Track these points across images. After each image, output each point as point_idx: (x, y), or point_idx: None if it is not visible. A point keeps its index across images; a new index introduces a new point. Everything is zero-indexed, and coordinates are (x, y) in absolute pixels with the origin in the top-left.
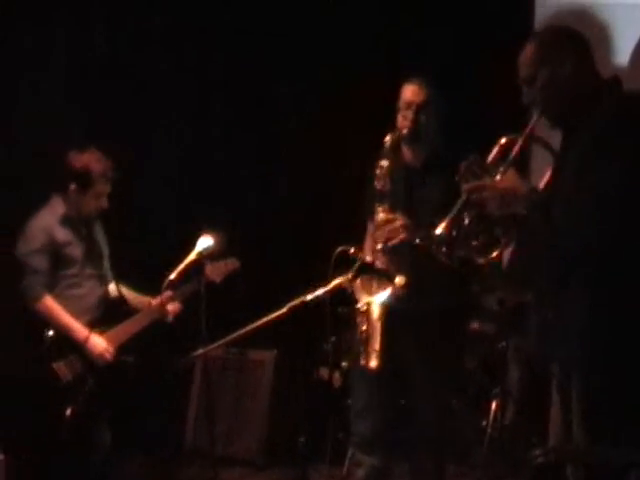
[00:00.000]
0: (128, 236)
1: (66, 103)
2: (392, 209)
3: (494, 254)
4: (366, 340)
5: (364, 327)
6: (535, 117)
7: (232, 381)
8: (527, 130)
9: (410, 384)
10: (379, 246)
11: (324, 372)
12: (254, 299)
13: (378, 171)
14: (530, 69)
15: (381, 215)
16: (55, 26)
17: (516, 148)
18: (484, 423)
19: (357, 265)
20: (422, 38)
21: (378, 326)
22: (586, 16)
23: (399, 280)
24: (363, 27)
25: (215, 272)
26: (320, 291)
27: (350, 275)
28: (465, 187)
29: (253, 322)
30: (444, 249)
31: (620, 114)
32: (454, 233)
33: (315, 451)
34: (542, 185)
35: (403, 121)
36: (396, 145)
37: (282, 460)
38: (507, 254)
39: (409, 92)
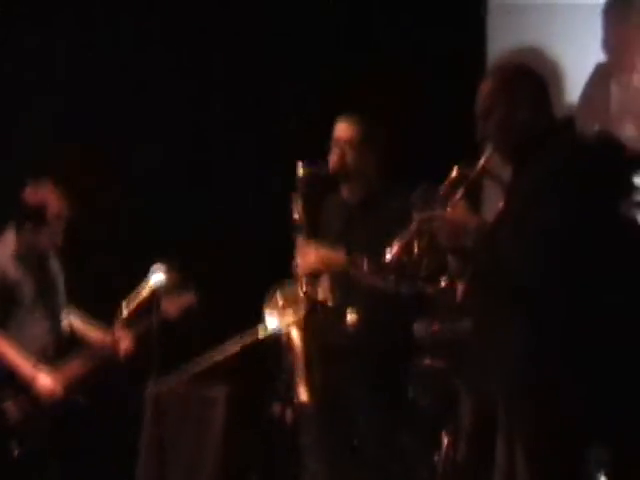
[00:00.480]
0: (84, 263)
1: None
2: (311, 238)
3: (442, 284)
4: (292, 372)
5: (289, 358)
6: (488, 152)
7: (183, 417)
8: (480, 163)
9: (355, 421)
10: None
11: (276, 408)
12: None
13: (294, 202)
14: (486, 105)
15: (299, 245)
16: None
17: (468, 181)
18: (436, 459)
19: (309, 303)
20: None
21: (301, 355)
22: (537, 55)
23: (350, 317)
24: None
25: (171, 307)
26: (273, 329)
27: (302, 314)
28: (416, 216)
29: (206, 357)
30: (392, 277)
31: (570, 154)
32: (404, 261)
33: None
34: (492, 219)
35: (332, 158)
36: (318, 178)
37: None
38: (461, 287)
39: (337, 129)
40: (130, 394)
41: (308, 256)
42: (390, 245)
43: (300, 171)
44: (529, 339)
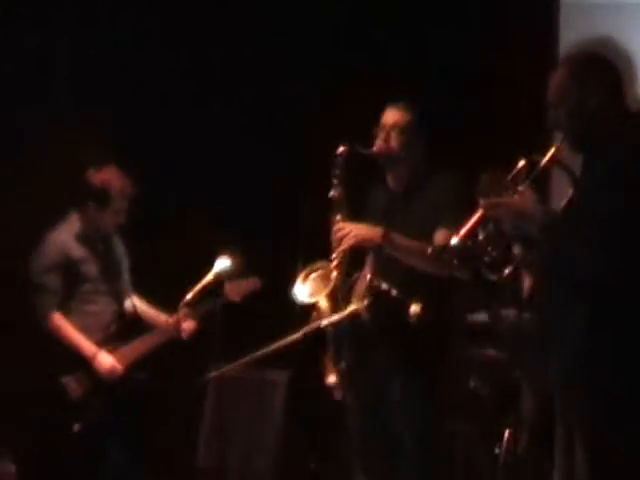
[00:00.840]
0: (150, 251)
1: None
2: (349, 216)
3: (506, 272)
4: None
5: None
6: (558, 141)
7: (245, 401)
8: (550, 152)
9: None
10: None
11: (338, 393)
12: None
13: (333, 181)
14: (558, 94)
15: (336, 224)
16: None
17: (537, 169)
18: (497, 451)
19: (373, 292)
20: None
21: (331, 337)
22: (612, 43)
23: (414, 308)
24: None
25: (235, 291)
26: (335, 317)
27: (366, 302)
28: (482, 202)
29: (269, 342)
30: (456, 261)
31: (637, 149)
32: (468, 246)
33: (329, 472)
34: (561, 209)
35: (377, 142)
36: (359, 159)
37: None
38: (527, 280)
39: (387, 115)
40: (193, 376)
41: (345, 230)
42: (438, 230)
43: (340, 148)
44: (590, 332)
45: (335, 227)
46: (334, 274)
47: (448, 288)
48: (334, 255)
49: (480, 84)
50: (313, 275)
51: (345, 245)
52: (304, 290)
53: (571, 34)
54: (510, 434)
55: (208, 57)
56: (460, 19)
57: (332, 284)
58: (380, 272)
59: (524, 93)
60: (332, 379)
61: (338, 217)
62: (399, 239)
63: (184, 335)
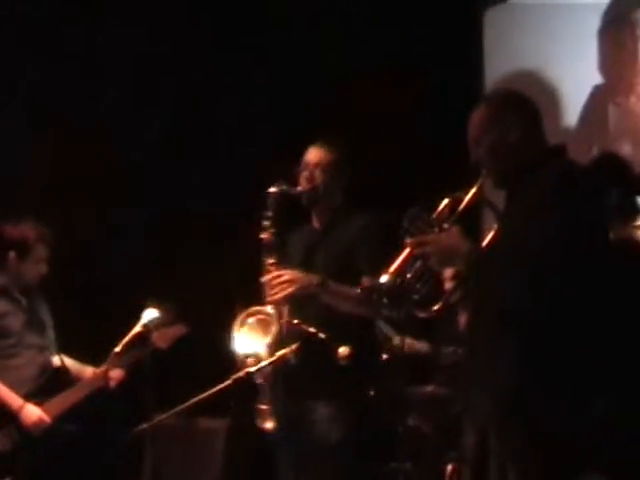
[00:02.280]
0: (74, 309)
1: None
2: (281, 260)
3: (435, 308)
4: (257, 397)
5: (257, 381)
6: (481, 177)
7: (182, 451)
8: (473, 189)
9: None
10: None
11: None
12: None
13: (263, 223)
14: (478, 131)
15: (268, 267)
16: None
17: (461, 206)
18: None
19: (302, 336)
20: None
21: (269, 379)
22: (535, 80)
23: (343, 350)
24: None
25: (162, 338)
26: (264, 363)
27: (294, 347)
28: (408, 241)
29: (201, 390)
30: (385, 300)
31: (561, 180)
32: (396, 284)
33: None
34: (485, 243)
35: (301, 181)
36: (285, 199)
37: None
38: (463, 318)
39: (308, 153)
40: (125, 427)
41: (283, 278)
42: (358, 265)
43: (272, 189)
44: (518, 360)
45: (270, 274)
46: (274, 323)
47: (365, 324)
48: (270, 303)
49: (402, 120)
50: (250, 321)
51: (283, 294)
52: (242, 338)
53: (493, 33)
54: (453, 470)
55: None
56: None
57: (273, 333)
58: (295, 310)
59: (448, 130)
60: (269, 425)
61: (270, 260)
62: (333, 286)
63: (113, 384)
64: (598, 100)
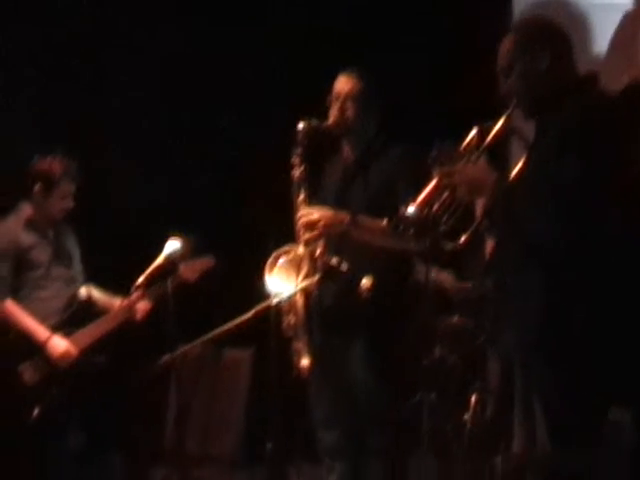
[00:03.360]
0: (99, 240)
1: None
2: (312, 197)
3: (462, 240)
4: (294, 336)
5: (289, 320)
6: (511, 107)
7: (208, 381)
8: (502, 119)
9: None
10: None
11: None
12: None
13: (292, 160)
14: (507, 60)
15: (299, 205)
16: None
17: (489, 137)
18: (465, 417)
19: (324, 268)
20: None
21: (303, 318)
22: (564, 8)
23: (365, 282)
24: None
25: (189, 271)
26: (285, 294)
27: (316, 278)
28: (436, 171)
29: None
30: (412, 231)
31: (588, 112)
32: (424, 216)
33: (294, 449)
34: (514, 173)
35: (332, 112)
36: (319, 135)
37: (260, 458)
38: (489, 245)
39: (338, 83)
40: (151, 359)
41: (312, 217)
42: (398, 200)
43: (300, 125)
44: (545, 295)
45: (300, 212)
46: (305, 263)
47: (401, 261)
48: (303, 243)
49: (432, 52)
50: (281, 261)
51: (313, 234)
52: (274, 280)
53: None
54: (477, 400)
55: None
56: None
57: (304, 272)
58: (332, 247)
59: (477, 61)
60: (305, 362)
61: (301, 198)
62: (363, 222)
63: (139, 316)
64: (628, 27)
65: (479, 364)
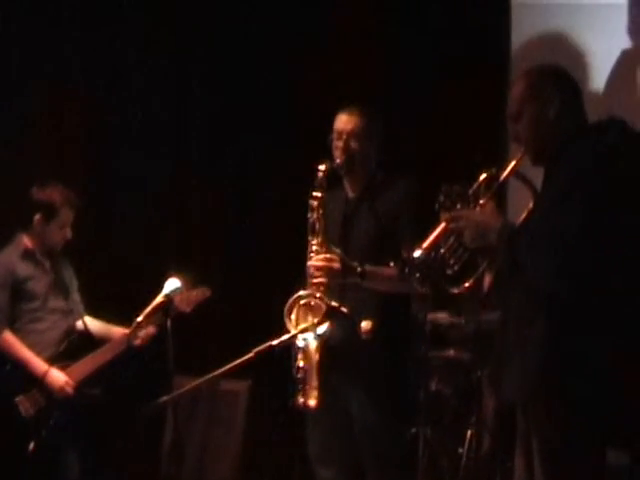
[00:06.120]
0: (98, 272)
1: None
2: (327, 241)
3: (467, 284)
4: (304, 377)
5: (301, 363)
6: (519, 154)
7: (205, 412)
8: (511, 166)
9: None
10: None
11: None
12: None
13: (311, 202)
14: (517, 106)
15: (314, 248)
16: None
17: (498, 182)
18: (460, 451)
19: (324, 309)
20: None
21: (315, 361)
22: (562, 45)
23: (365, 325)
24: None
25: (185, 302)
26: (286, 336)
27: (316, 320)
28: (443, 216)
29: (224, 354)
30: (417, 275)
31: (599, 157)
32: (430, 260)
33: None
34: (520, 220)
35: (335, 151)
36: (333, 175)
37: None
38: (488, 280)
39: (339, 121)
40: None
41: (332, 262)
42: (401, 233)
43: (322, 167)
44: (549, 343)
45: (320, 256)
46: (322, 306)
47: (400, 300)
48: (317, 287)
49: (433, 89)
50: (300, 304)
51: (324, 281)
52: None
53: (522, 35)
54: (472, 434)
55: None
56: (412, 22)
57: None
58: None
59: (477, 98)
60: (313, 403)
61: (316, 241)
62: (372, 270)
63: (144, 340)
64: (626, 65)
65: (474, 398)
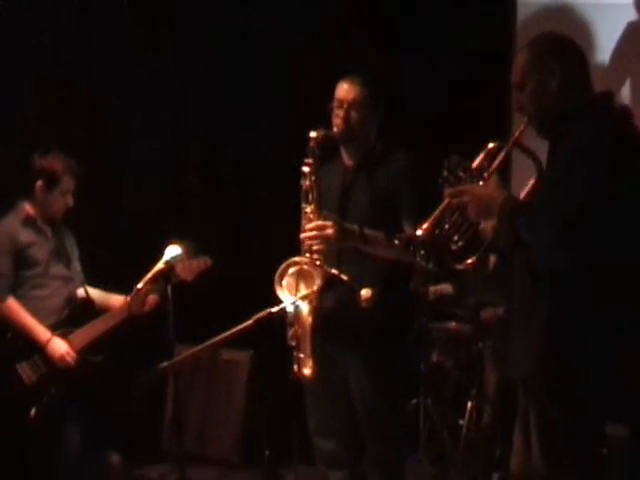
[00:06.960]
0: (98, 241)
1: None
2: (321, 208)
3: (470, 260)
4: (297, 345)
5: (294, 330)
6: (523, 125)
7: (206, 382)
8: (514, 137)
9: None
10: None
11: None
12: (228, 298)
13: (303, 169)
14: (520, 76)
15: (308, 215)
16: None
17: (501, 155)
18: (461, 422)
19: (323, 276)
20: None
21: (308, 328)
22: (567, 15)
23: (365, 293)
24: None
25: (186, 271)
26: (285, 303)
27: (316, 287)
28: (447, 191)
29: (226, 324)
30: (422, 252)
31: (602, 130)
32: (435, 235)
33: (291, 451)
34: (524, 194)
35: (336, 119)
36: (327, 143)
37: (257, 460)
38: (493, 259)
39: (341, 90)
40: (146, 370)
41: (325, 229)
42: (401, 204)
43: (313, 134)
44: (547, 322)
45: (312, 224)
46: (318, 275)
47: (401, 270)
48: (315, 256)
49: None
50: (291, 271)
51: (322, 247)
52: (286, 295)
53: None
54: (473, 406)
55: None
56: (412, 21)
57: (316, 285)
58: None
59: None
60: (308, 371)
61: (310, 208)
62: (372, 236)
63: (147, 307)
64: (633, 36)
65: (475, 370)
